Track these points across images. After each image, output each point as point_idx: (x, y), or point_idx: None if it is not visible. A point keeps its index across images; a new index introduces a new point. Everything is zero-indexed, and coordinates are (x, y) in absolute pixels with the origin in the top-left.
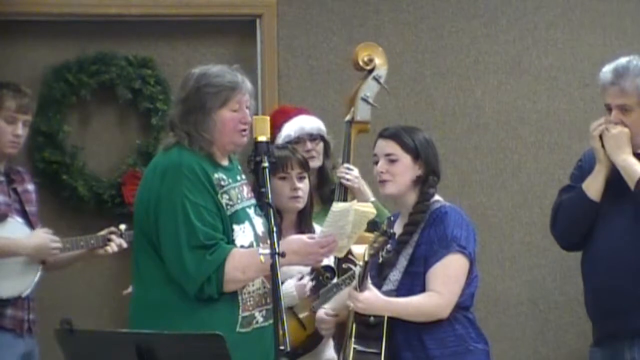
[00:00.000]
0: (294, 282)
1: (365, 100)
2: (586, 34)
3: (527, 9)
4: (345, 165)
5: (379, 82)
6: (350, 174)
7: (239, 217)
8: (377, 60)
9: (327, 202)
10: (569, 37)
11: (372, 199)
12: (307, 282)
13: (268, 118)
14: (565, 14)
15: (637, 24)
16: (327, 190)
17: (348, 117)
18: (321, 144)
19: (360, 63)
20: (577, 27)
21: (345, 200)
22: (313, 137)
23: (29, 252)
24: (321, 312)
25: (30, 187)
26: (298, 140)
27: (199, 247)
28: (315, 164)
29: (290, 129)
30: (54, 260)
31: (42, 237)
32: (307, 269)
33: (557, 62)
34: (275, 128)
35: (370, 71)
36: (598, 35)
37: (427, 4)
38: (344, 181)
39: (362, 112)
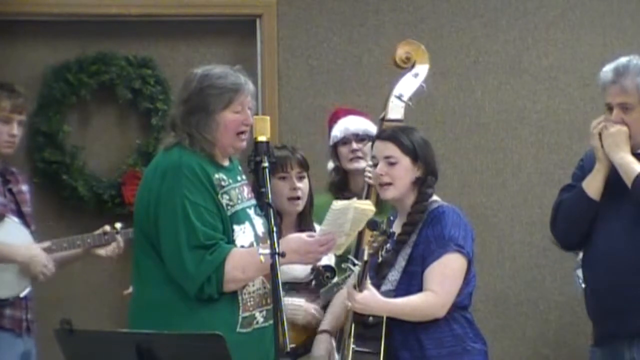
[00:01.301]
0: (305, 303)
1: (398, 98)
2: (586, 34)
3: (527, 9)
4: (370, 163)
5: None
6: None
7: (239, 217)
8: (416, 59)
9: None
10: (569, 37)
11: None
12: (319, 311)
13: (268, 118)
14: (565, 14)
15: (637, 24)
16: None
17: (381, 115)
18: (369, 145)
19: (398, 61)
20: (577, 27)
21: (368, 197)
22: (359, 137)
23: (24, 259)
24: (325, 341)
25: (25, 187)
26: (345, 141)
27: (198, 247)
28: (361, 165)
29: (337, 129)
30: (53, 260)
31: (39, 252)
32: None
33: (557, 62)
34: (330, 130)
35: (408, 69)
36: (598, 35)
37: (427, 4)
38: (367, 179)
39: (394, 110)
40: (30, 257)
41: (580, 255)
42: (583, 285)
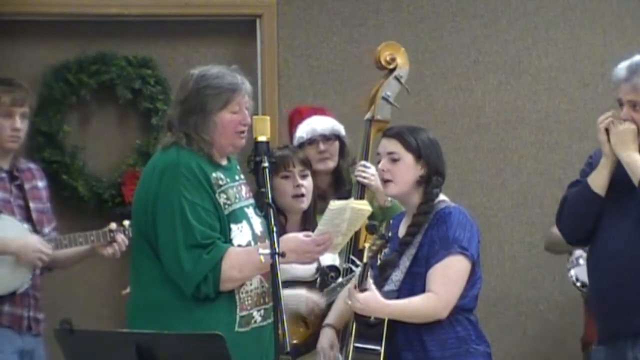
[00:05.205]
0: (306, 293)
1: (386, 99)
2: (586, 34)
3: (527, 9)
4: (362, 163)
5: (400, 82)
6: (367, 172)
7: (237, 216)
8: (399, 60)
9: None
10: (569, 37)
11: (390, 197)
12: (321, 301)
13: (268, 118)
14: (565, 14)
15: (637, 24)
16: (344, 190)
17: (368, 116)
18: (336, 144)
19: (383, 62)
20: (577, 27)
21: (362, 198)
22: (326, 137)
23: (12, 250)
24: (328, 335)
25: (41, 184)
26: (311, 141)
27: (195, 246)
28: (329, 165)
29: (303, 130)
30: (55, 258)
31: (30, 239)
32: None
33: (557, 62)
34: (292, 129)
35: (392, 70)
36: (598, 35)
37: (427, 4)
38: (360, 179)
39: (383, 111)
40: (20, 246)
41: (574, 255)
42: (578, 284)
